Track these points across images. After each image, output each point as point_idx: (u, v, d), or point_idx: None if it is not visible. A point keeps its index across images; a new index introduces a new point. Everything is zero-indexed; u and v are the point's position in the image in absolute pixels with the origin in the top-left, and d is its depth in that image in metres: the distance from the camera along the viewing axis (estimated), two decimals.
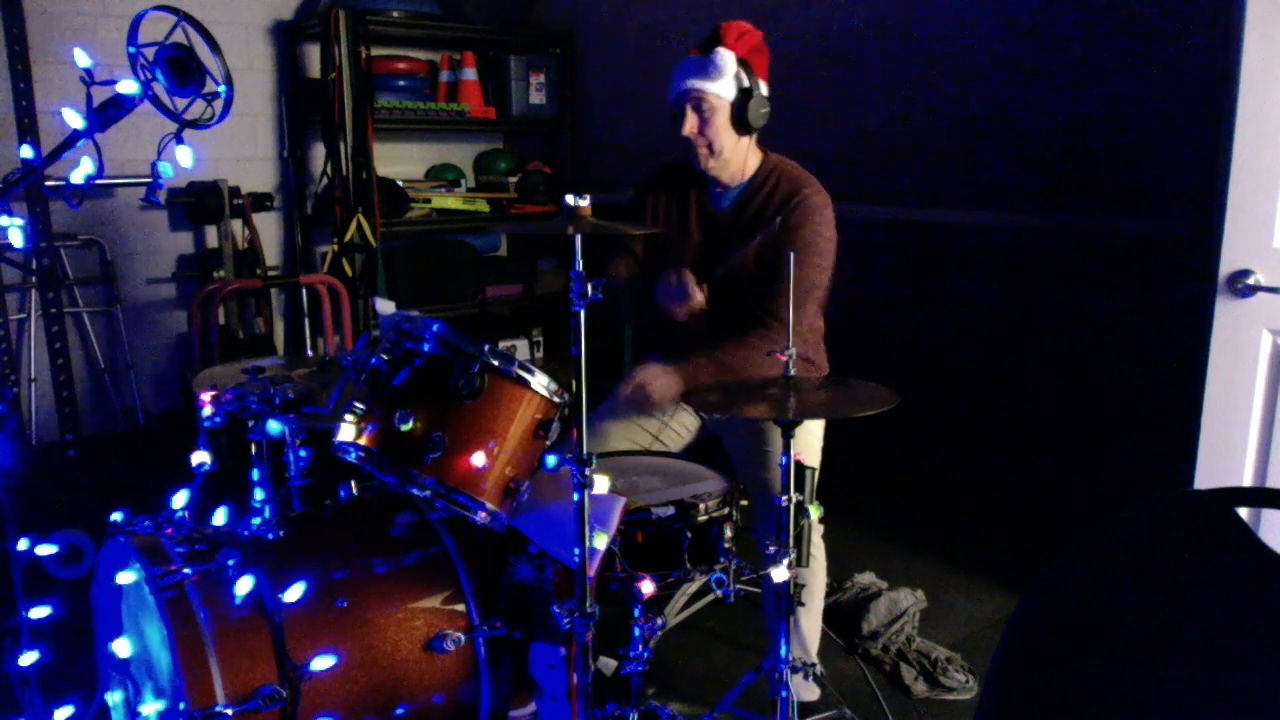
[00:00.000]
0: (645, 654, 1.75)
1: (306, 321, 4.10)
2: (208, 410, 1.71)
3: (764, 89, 2.18)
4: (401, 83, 4.47)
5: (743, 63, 2.13)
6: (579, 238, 1.46)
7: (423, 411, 1.53)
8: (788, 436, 1.72)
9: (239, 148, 4.24)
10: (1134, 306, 2.91)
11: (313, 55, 4.33)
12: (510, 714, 1.78)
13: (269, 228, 4.40)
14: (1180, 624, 1.01)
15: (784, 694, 1.79)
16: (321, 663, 1.51)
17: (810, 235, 2.18)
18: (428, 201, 4.54)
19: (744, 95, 2.14)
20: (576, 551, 1.48)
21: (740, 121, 2.15)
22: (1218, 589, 1.01)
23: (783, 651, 1.80)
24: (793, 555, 1.73)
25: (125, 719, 1.71)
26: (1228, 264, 2.13)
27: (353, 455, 1.60)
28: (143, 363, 4.16)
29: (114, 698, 1.71)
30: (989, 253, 3.27)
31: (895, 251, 3.48)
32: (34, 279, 3.70)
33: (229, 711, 1.43)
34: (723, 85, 2.13)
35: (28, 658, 1.64)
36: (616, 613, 1.80)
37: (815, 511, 1.77)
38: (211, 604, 1.48)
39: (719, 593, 1.78)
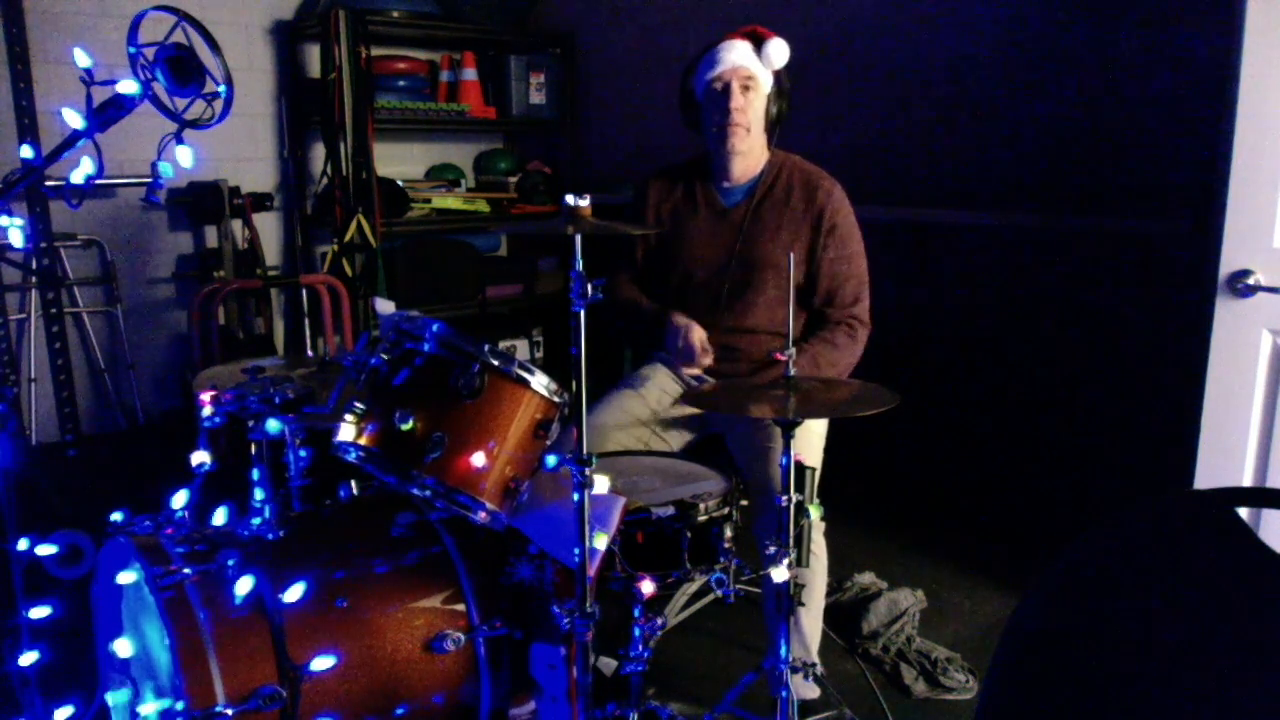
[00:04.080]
0: (645, 654, 1.75)
1: (306, 321, 4.10)
2: (208, 410, 1.71)
3: None
4: (401, 83, 4.47)
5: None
6: (579, 238, 1.46)
7: (423, 411, 1.52)
8: (788, 436, 1.72)
9: (239, 148, 4.24)
10: (1134, 306, 2.91)
11: (313, 55, 4.33)
12: (510, 714, 1.78)
13: (269, 228, 4.40)
14: (1180, 624, 1.01)
15: (784, 694, 1.79)
16: (321, 663, 1.51)
17: (848, 227, 2.27)
18: (428, 201, 4.54)
19: (779, 92, 2.23)
20: (576, 551, 1.48)
21: (772, 114, 2.23)
22: (1218, 589, 1.01)
23: (783, 651, 1.80)
24: (793, 555, 1.73)
25: (125, 719, 1.71)
26: (1228, 264, 2.13)
27: (353, 455, 1.60)
28: (143, 363, 4.16)
29: (114, 698, 1.71)
30: (989, 253, 3.27)
31: (895, 251, 3.48)
32: (34, 279, 3.70)
33: (229, 711, 1.43)
34: (769, 76, 2.20)
35: (28, 658, 1.64)
36: (616, 613, 1.80)
37: (815, 511, 1.77)
38: (211, 604, 1.48)
39: (719, 593, 1.78)
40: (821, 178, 2.28)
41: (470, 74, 4.63)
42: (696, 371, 2.24)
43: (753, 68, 2.18)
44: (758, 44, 2.18)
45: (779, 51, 2.16)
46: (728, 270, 2.27)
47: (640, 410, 2.28)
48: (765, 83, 2.20)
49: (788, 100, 2.25)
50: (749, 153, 2.24)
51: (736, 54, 2.17)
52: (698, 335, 2.20)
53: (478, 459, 1.54)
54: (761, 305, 2.26)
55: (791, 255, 1.85)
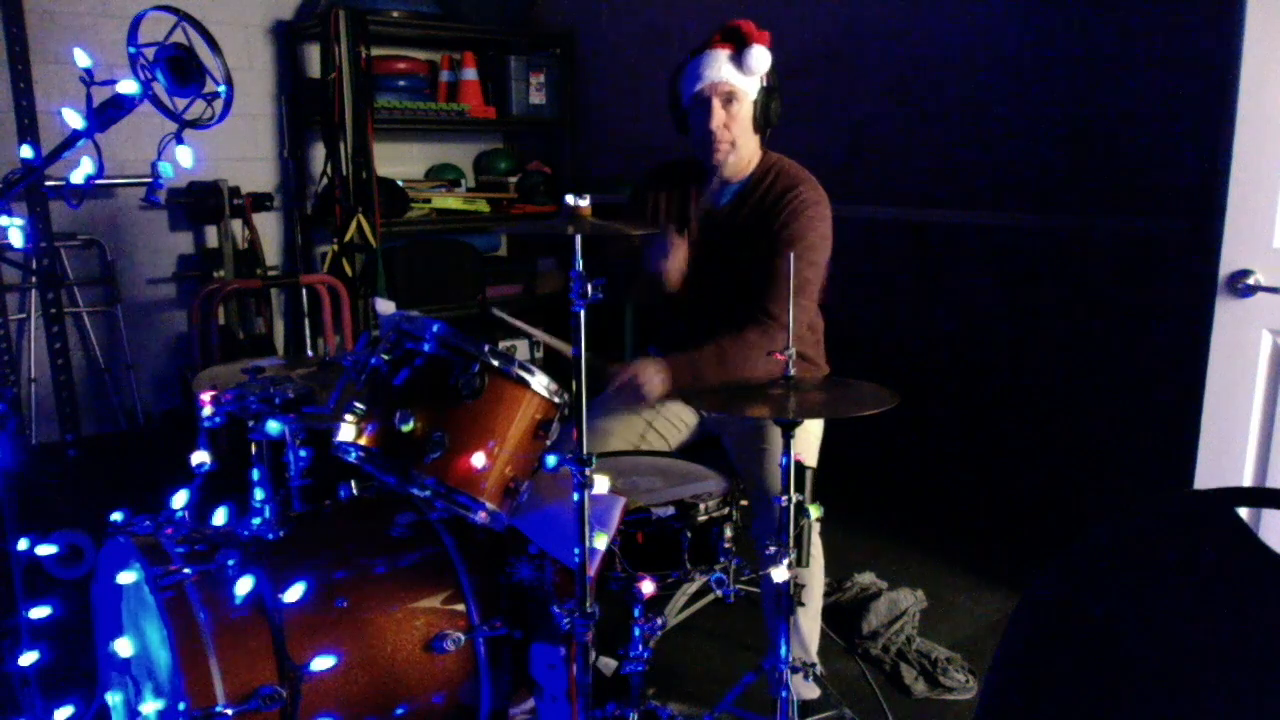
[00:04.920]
0: (645, 654, 1.75)
1: (306, 321, 4.10)
2: (208, 410, 1.71)
3: None
4: (401, 83, 4.47)
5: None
6: (579, 238, 1.46)
7: (423, 411, 1.52)
8: (788, 436, 1.72)
9: (239, 148, 4.24)
10: (1134, 306, 2.91)
11: (313, 55, 4.33)
12: (510, 713, 1.78)
13: (269, 228, 4.40)
14: (1180, 624, 1.01)
15: (784, 694, 1.79)
16: (321, 663, 1.51)
17: (801, 230, 2.17)
18: (428, 201, 4.54)
19: (767, 93, 2.16)
20: (576, 551, 1.48)
21: (762, 119, 2.17)
22: (1218, 589, 1.01)
23: (783, 651, 1.80)
24: (792, 555, 1.73)
25: (125, 719, 1.71)
26: (1228, 264, 2.13)
27: (353, 455, 1.60)
28: (143, 363, 4.16)
29: (114, 698, 1.71)
30: (989, 253, 3.27)
31: (895, 251, 3.48)
32: (34, 279, 3.70)
33: (229, 711, 1.43)
34: (753, 81, 2.14)
35: (28, 658, 1.64)
36: (616, 613, 1.80)
37: (815, 511, 1.77)
38: (211, 604, 1.48)
39: (719, 593, 1.78)
40: (800, 182, 2.22)
41: (470, 74, 4.63)
42: (679, 264, 2.19)
43: (733, 80, 2.12)
44: (740, 50, 2.12)
45: (759, 60, 2.10)
46: (710, 273, 2.26)
47: (636, 411, 2.28)
48: (749, 90, 2.14)
49: (779, 98, 2.19)
50: (741, 159, 2.21)
51: (715, 68, 2.12)
52: (669, 230, 2.17)
53: (478, 459, 1.54)
54: (743, 309, 2.25)
55: (792, 255, 1.84)
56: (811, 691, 2.14)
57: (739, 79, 2.12)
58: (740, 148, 2.18)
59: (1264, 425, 2.15)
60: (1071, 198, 3.01)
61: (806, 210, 2.18)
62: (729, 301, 2.25)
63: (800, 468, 1.74)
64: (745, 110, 2.15)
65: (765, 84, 2.16)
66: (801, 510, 1.75)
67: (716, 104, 2.14)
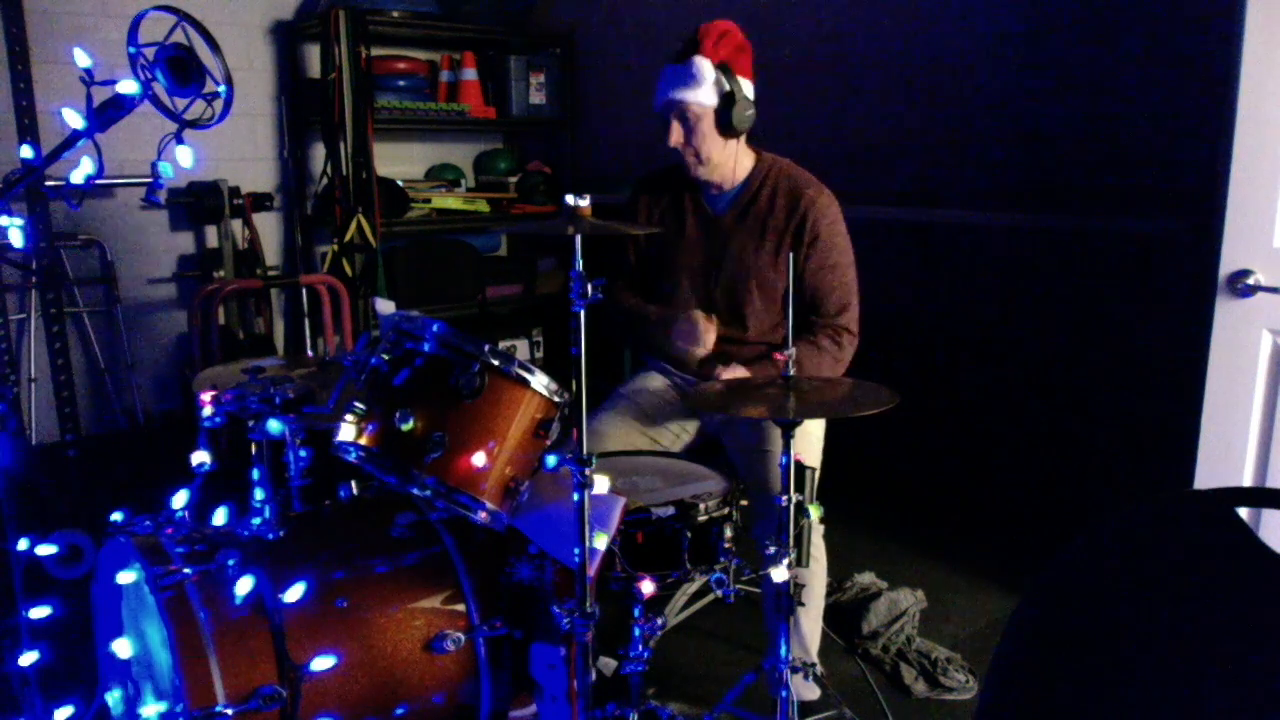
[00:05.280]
0: (645, 654, 1.75)
1: (306, 321, 4.10)
2: (208, 410, 1.71)
3: (748, 89, 2.15)
4: (401, 83, 4.47)
5: (721, 67, 2.10)
6: (579, 238, 1.46)
7: (423, 411, 1.53)
8: (788, 436, 1.72)
9: (239, 148, 4.24)
10: (1134, 306, 2.91)
11: (313, 55, 4.33)
12: (510, 714, 1.78)
13: (269, 228, 4.40)
14: (1180, 624, 1.01)
15: (784, 694, 1.79)
16: (321, 663, 1.51)
17: (832, 236, 2.21)
18: (428, 201, 4.54)
19: (727, 99, 2.11)
20: (576, 551, 1.48)
21: (725, 126, 2.13)
22: (1218, 589, 1.01)
23: (783, 651, 1.80)
24: (793, 555, 1.73)
25: (125, 719, 1.71)
26: (1228, 264, 2.13)
27: (353, 455, 1.60)
28: (143, 363, 4.16)
29: (114, 698, 1.72)
30: (989, 253, 3.27)
31: (895, 251, 3.48)
32: (34, 279, 3.70)
33: (229, 711, 1.43)
34: (704, 93, 2.10)
35: (28, 658, 1.64)
36: (616, 613, 1.80)
37: (815, 511, 1.77)
38: (211, 604, 1.48)
39: (719, 593, 1.79)
40: (806, 185, 2.22)
41: (470, 74, 4.63)
42: (701, 352, 2.20)
43: (684, 95, 2.10)
44: (684, 64, 2.11)
45: (699, 70, 2.08)
46: (715, 280, 2.26)
47: (637, 418, 2.28)
48: (703, 101, 2.10)
49: (743, 101, 2.13)
50: (716, 168, 2.19)
51: (666, 86, 2.13)
52: (701, 314, 2.17)
53: (478, 459, 1.54)
54: (750, 315, 2.24)
55: (791, 256, 1.84)
56: (811, 691, 2.13)
57: (688, 94, 2.11)
58: (710, 158, 2.17)
59: (1264, 425, 2.15)
60: (1071, 198, 3.01)
61: (826, 214, 2.20)
62: (737, 306, 2.25)
63: (800, 468, 1.75)
64: (704, 122, 2.13)
65: (725, 90, 2.11)
66: (802, 510, 1.75)
67: (673, 121, 2.15)
